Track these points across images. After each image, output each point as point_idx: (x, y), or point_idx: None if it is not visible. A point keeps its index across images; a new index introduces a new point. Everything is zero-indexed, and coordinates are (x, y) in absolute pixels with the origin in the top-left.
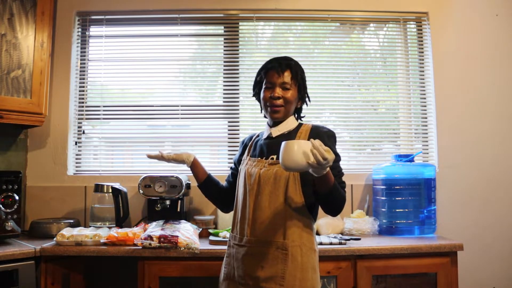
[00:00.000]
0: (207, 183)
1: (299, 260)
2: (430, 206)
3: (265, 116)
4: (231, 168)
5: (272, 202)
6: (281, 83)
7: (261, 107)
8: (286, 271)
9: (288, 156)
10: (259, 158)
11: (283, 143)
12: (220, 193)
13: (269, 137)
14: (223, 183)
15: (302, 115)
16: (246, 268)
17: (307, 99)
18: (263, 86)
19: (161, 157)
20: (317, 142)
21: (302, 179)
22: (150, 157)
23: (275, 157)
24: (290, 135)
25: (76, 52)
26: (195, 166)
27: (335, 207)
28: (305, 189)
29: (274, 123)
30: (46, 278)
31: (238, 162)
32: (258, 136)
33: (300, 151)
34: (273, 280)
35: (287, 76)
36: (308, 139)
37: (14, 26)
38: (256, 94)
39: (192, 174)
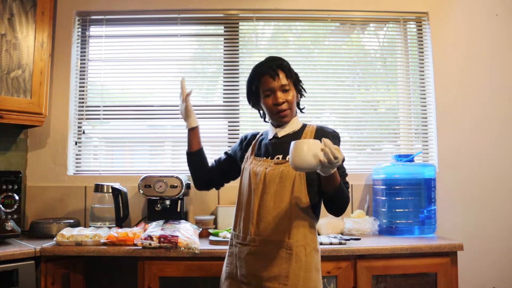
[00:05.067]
0: (197, 154)
1: (303, 260)
2: (430, 206)
3: (265, 121)
4: (225, 152)
5: (277, 201)
6: (280, 86)
7: (260, 114)
8: (290, 271)
9: (298, 155)
10: (264, 158)
11: (293, 142)
12: (203, 169)
13: (275, 137)
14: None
15: (301, 106)
16: (249, 267)
17: (304, 92)
18: (262, 95)
19: (185, 93)
20: (328, 141)
21: (308, 179)
22: (182, 83)
23: (280, 156)
24: (296, 136)
25: (76, 52)
26: (194, 133)
27: (339, 207)
28: (310, 189)
29: (280, 124)
30: (46, 278)
31: (237, 156)
32: (262, 135)
33: (311, 150)
34: (277, 279)
35: (282, 78)
36: None
37: (14, 26)
38: (254, 104)
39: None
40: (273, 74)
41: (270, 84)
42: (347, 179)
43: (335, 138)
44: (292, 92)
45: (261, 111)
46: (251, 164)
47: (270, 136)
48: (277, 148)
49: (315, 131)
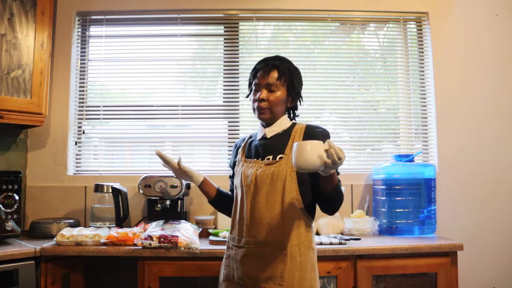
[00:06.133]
0: (218, 197)
1: (297, 260)
2: (430, 206)
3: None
4: (230, 176)
5: (269, 202)
6: (266, 84)
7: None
8: (285, 271)
9: (301, 156)
10: (255, 159)
11: (295, 143)
12: (230, 203)
13: (264, 137)
14: (227, 189)
15: (296, 114)
16: (245, 269)
17: (300, 98)
18: (253, 88)
19: (175, 164)
20: (332, 143)
21: (299, 178)
22: (160, 155)
23: (271, 157)
24: (284, 135)
25: (76, 52)
26: (205, 185)
27: (335, 206)
28: (302, 188)
29: (267, 123)
30: (46, 278)
31: (233, 166)
32: (251, 137)
33: (314, 151)
34: (272, 280)
35: (272, 77)
36: (303, 139)
37: (14, 26)
38: (248, 95)
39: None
40: (265, 71)
41: (260, 79)
42: (344, 178)
43: (325, 136)
44: (279, 93)
45: None
46: (243, 166)
47: (259, 136)
48: (267, 148)
49: (304, 129)
